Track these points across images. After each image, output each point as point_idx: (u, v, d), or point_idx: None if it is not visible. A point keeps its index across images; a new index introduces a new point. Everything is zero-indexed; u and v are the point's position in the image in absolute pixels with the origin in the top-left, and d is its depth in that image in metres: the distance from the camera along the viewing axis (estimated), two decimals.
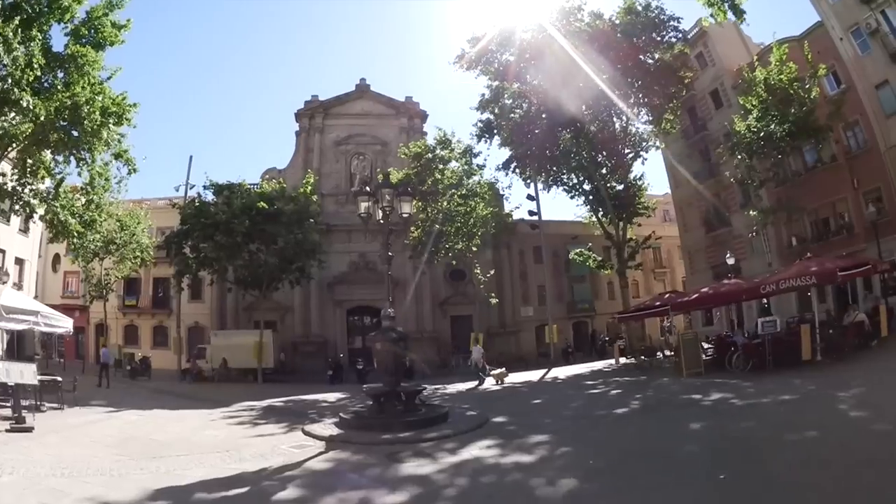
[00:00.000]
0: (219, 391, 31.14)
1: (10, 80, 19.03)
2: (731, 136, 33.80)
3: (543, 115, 38.35)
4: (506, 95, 39.43)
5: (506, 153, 40.54)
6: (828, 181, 34.28)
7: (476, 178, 42.24)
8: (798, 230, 35.93)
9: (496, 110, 39.49)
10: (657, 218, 50.10)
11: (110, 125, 22.34)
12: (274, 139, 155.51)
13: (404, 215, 17.19)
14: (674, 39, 36.94)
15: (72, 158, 23.02)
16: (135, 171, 24.69)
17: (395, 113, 55.49)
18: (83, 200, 26.27)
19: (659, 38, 36.49)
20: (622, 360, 34.93)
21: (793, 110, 30.01)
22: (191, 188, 38.73)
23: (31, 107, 19.46)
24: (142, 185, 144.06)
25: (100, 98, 21.91)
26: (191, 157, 42.34)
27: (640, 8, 35.66)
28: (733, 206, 42.20)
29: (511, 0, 47.49)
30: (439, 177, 40.02)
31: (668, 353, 29.87)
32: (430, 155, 40.75)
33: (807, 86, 30.39)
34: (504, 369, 29.62)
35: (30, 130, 21.04)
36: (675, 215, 51.57)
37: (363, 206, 16.84)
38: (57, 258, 49.48)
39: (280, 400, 24.52)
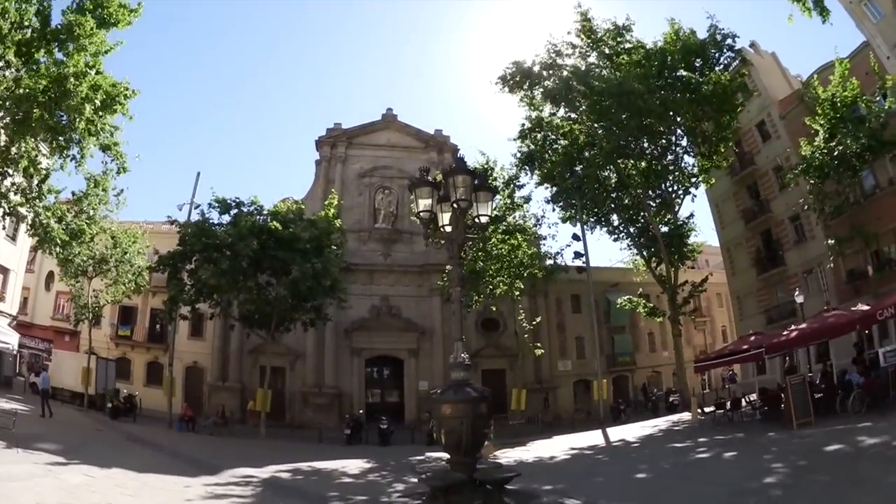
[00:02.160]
0: (209, 446, 25.86)
1: None
2: (798, 162, 31.49)
3: (586, 152, 35.67)
4: (547, 126, 36.75)
5: (543, 192, 36.79)
6: (886, 206, 31.00)
7: (519, 213, 37.55)
8: (856, 263, 32.81)
9: (538, 139, 36.46)
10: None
11: (97, 101, 19.96)
12: (291, 168, 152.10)
13: (482, 219, 11.91)
14: (728, 60, 35.05)
15: (58, 154, 21.25)
16: (125, 169, 22.35)
17: (423, 146, 51.22)
18: (74, 209, 25.30)
19: (714, 59, 34.28)
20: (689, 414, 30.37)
21: (867, 124, 28.10)
22: (196, 208, 33.10)
23: (14, 65, 18.71)
24: (147, 208, 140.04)
25: (92, 72, 20.01)
26: (198, 174, 36.83)
27: (684, 36, 33.74)
28: (786, 244, 39.21)
29: (553, 25, 44.66)
30: None
31: (753, 402, 25.99)
32: None
33: (876, 98, 28.75)
34: (489, 443, 23.27)
35: (10, 98, 19.17)
36: (722, 258, 47.97)
37: (423, 203, 11.57)
38: (51, 276, 45.28)
39: (287, 467, 18.90)
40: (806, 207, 33.73)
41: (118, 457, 17.61)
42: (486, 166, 36.24)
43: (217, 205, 30.88)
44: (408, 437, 31.55)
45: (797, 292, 33.52)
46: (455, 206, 11.33)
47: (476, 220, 11.94)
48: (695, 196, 38.31)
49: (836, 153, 28.84)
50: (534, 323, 38.40)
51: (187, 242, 29.59)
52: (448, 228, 11.69)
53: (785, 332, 24.11)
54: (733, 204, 44.33)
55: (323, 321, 34.05)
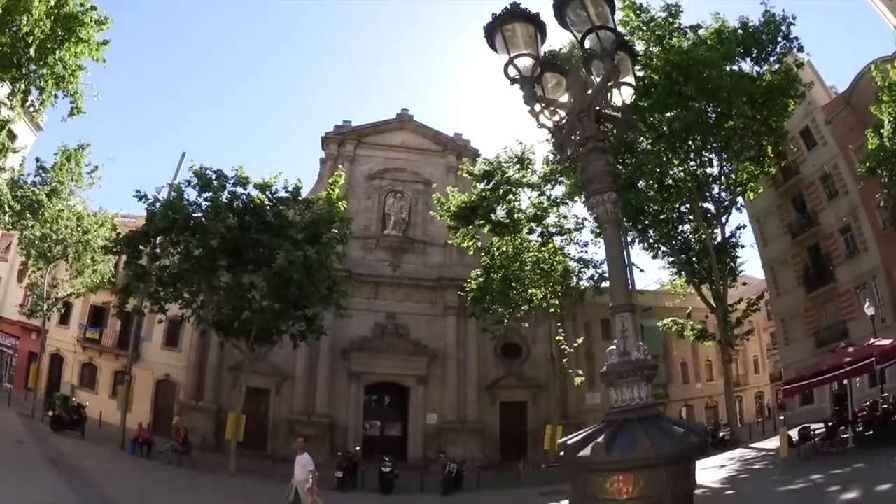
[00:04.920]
0: (152, 481, 20.32)
1: None
2: (869, 154, 26.99)
3: (629, 158, 31.16)
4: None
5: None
6: None
7: (553, 217, 32.76)
8: None
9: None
10: None
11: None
12: (294, 166, 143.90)
13: (623, 98, 6.10)
14: (783, 49, 30.58)
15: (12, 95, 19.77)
16: (79, 110, 19.99)
17: (441, 149, 46.24)
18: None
19: (770, 48, 30.21)
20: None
21: None
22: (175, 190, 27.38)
23: None
24: (132, 201, 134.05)
25: None
26: (183, 154, 31.16)
27: (727, 32, 29.71)
28: (837, 258, 36.00)
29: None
30: (516, 204, 29.97)
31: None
32: (500, 175, 30.84)
33: None
34: None
35: None
36: (765, 278, 44.08)
37: (517, 50, 5.80)
38: (25, 267, 39.86)
39: None
40: (882, 204, 29.25)
41: (4, 483, 12.51)
42: (521, 155, 31.05)
43: (196, 179, 24.81)
44: (416, 481, 25.26)
45: (867, 304, 29.85)
46: (594, 36, 5.57)
47: (613, 96, 6.17)
48: (742, 206, 35.42)
49: None
50: (575, 345, 32.77)
51: (153, 220, 23.67)
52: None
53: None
54: (777, 218, 41.36)
55: (316, 335, 27.57)
